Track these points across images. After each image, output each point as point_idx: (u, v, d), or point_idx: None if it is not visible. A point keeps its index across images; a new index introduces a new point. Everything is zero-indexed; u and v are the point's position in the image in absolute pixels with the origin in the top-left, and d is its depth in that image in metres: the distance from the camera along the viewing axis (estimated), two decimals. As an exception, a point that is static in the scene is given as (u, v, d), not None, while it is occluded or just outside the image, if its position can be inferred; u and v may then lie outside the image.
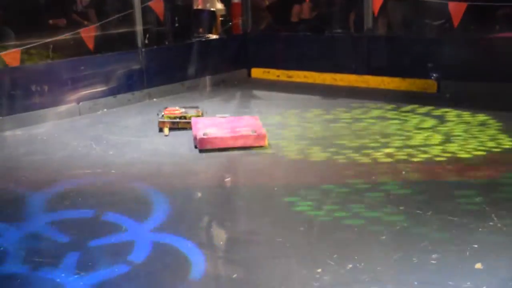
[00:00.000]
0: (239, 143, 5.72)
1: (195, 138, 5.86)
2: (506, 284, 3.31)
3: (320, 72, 8.81)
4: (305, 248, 3.79)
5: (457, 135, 5.96)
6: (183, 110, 6.73)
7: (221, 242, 4.05)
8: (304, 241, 3.89)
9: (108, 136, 6.42)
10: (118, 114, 7.44)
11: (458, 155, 5.36)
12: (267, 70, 9.34)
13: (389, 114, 6.89)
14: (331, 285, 3.33)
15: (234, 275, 3.49)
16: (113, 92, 7.80)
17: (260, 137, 5.75)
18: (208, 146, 5.70)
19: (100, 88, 7.67)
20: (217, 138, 5.72)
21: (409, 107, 7.12)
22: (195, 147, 5.82)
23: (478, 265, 3.46)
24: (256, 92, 8.48)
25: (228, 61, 9.29)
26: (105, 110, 7.63)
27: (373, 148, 5.65)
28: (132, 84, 8.01)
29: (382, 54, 8.29)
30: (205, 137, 5.72)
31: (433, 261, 3.53)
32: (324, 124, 6.63)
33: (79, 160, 5.67)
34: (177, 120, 6.51)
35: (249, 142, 5.73)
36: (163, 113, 6.63)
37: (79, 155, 5.83)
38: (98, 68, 7.69)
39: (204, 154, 5.66)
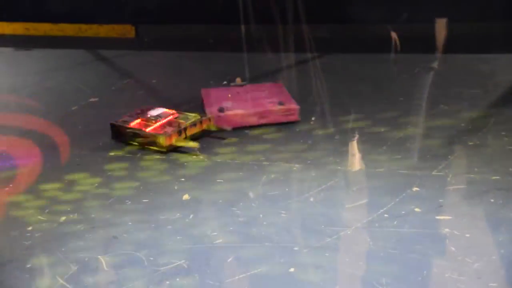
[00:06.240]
0: (265, 121, 4.62)
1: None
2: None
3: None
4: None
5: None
6: None
7: None
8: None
9: None
10: None
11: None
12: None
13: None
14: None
15: None
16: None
17: (291, 111, 4.67)
18: (226, 126, 4.56)
19: None
20: (237, 115, 4.61)
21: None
22: None
23: (186, 196, 3.58)
24: None
25: None
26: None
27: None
28: None
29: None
30: (221, 114, 4.57)
31: (145, 200, 3.58)
32: None
33: None
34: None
35: (278, 118, 4.65)
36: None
37: None
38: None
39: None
